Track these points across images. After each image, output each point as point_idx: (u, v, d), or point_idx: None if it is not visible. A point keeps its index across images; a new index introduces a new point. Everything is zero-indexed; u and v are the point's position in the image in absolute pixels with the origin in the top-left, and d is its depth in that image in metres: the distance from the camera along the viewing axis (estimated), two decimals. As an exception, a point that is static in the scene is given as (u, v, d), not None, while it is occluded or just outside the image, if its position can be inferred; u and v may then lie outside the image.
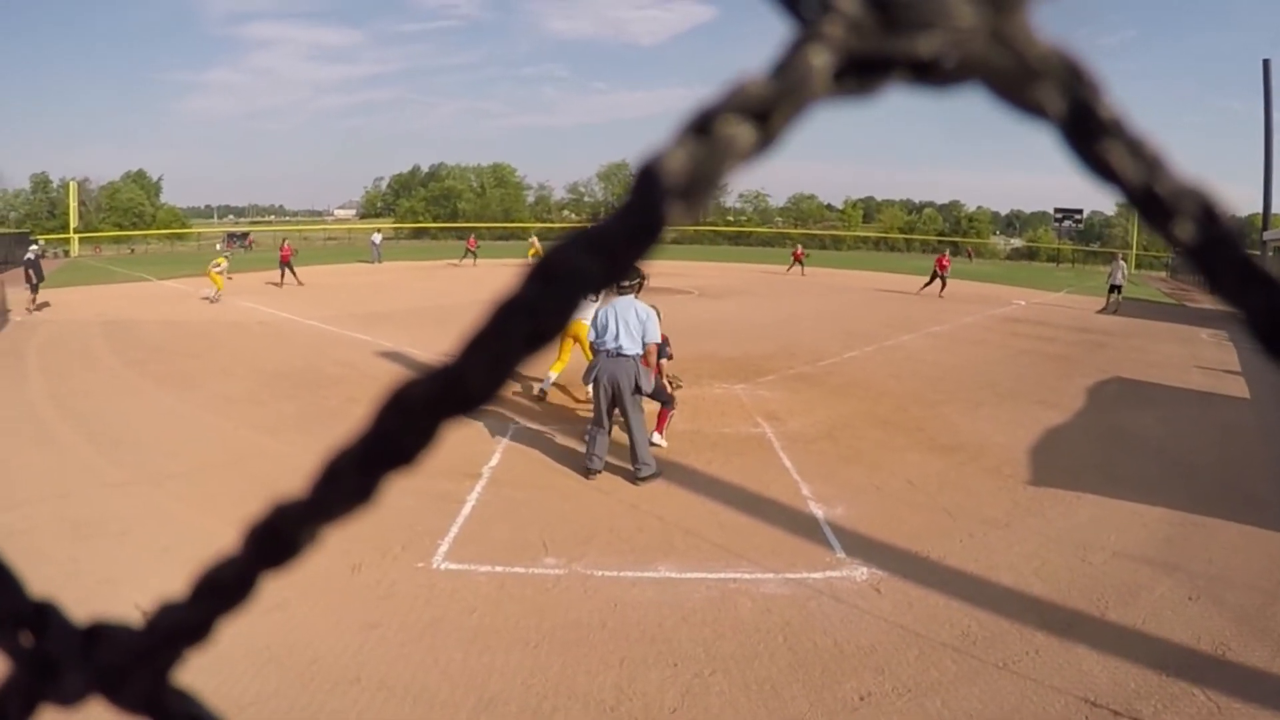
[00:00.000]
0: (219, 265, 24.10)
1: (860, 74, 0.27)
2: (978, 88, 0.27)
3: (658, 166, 0.26)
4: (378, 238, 44.00)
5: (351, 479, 0.30)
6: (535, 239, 40.09)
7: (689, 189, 0.26)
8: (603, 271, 0.27)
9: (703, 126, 0.27)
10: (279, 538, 0.31)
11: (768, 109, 0.26)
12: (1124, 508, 7.74)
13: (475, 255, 41.46)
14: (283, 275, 28.70)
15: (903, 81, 0.27)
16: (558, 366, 12.10)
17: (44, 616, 0.34)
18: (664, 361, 9.85)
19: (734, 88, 0.27)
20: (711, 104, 0.27)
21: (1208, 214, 0.27)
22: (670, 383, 10.18)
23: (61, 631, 0.34)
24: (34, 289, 21.46)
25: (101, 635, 0.34)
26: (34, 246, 24.51)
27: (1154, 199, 0.27)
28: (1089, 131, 0.27)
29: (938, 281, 29.00)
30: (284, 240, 32.83)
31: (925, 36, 0.26)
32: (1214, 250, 0.27)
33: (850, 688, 4.87)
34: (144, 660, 0.33)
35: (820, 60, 0.26)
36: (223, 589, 0.32)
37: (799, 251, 40.19)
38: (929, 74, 0.27)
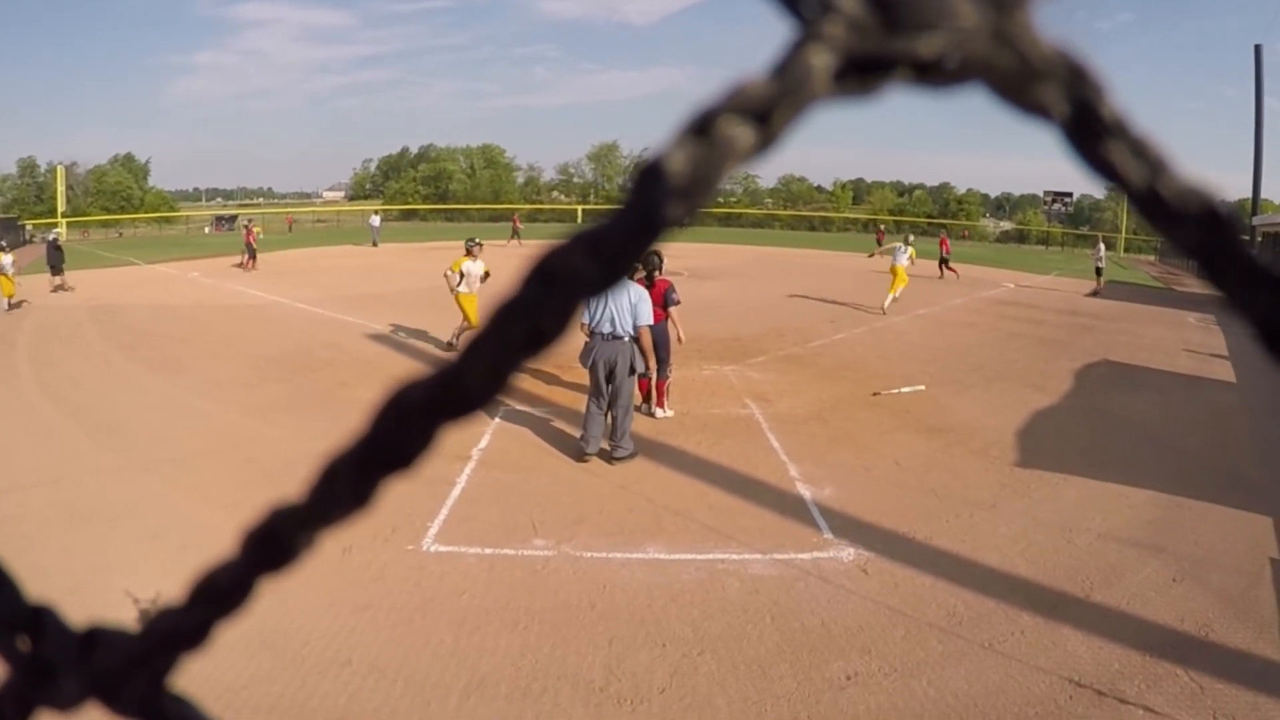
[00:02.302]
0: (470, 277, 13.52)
1: (861, 74, 0.27)
2: (979, 88, 0.27)
3: (657, 167, 0.27)
4: (376, 220, 43.68)
5: (349, 483, 0.30)
6: (256, 227, 33.21)
7: (689, 190, 0.27)
8: (602, 273, 0.27)
9: (702, 127, 0.27)
10: (276, 542, 0.31)
11: (768, 109, 0.26)
12: (1110, 490, 7.79)
13: (519, 235, 41.50)
14: (250, 257, 28.68)
15: (904, 82, 0.27)
16: (896, 287, 19.47)
17: (41, 621, 0.34)
18: (676, 313, 9.99)
19: (734, 88, 0.27)
20: (711, 104, 0.27)
21: (1211, 215, 0.27)
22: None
23: (59, 636, 0.34)
24: (55, 271, 22.31)
25: (99, 640, 0.34)
26: (56, 231, 27.22)
27: (1157, 199, 0.27)
28: (1092, 132, 0.27)
29: (943, 264, 29.00)
30: (249, 222, 33.27)
31: (927, 37, 0.26)
32: (1217, 251, 0.27)
33: (837, 667, 4.91)
34: (141, 665, 0.33)
35: (821, 61, 0.26)
36: (220, 594, 0.32)
37: (881, 233, 40.63)
38: (930, 74, 0.27)
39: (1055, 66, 0.27)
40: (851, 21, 0.26)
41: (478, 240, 13.86)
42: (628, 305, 8.16)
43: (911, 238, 21.50)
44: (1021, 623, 5.43)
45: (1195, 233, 0.27)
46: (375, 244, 40.21)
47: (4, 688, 0.34)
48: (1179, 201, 0.27)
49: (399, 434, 0.29)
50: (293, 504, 0.31)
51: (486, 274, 13.37)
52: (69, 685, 0.33)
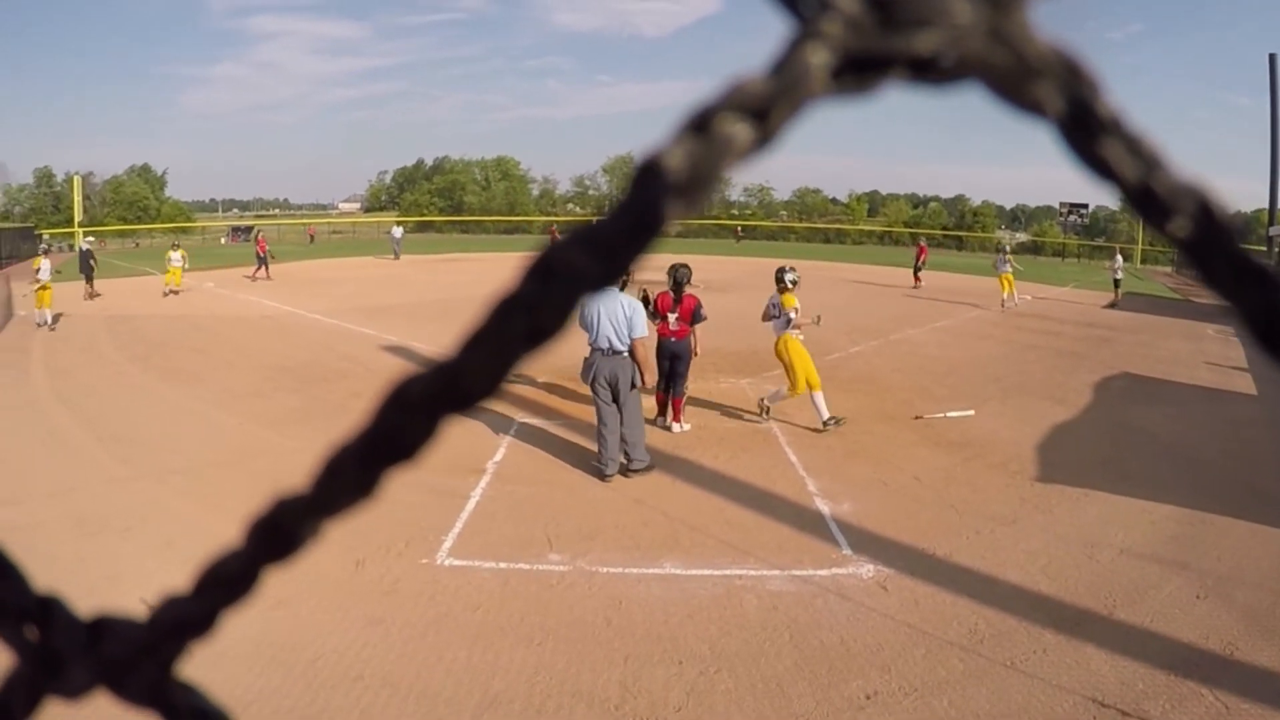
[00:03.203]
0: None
1: (859, 72, 0.27)
2: (976, 86, 0.27)
3: (657, 164, 0.27)
4: (398, 232, 43.44)
5: (352, 474, 0.31)
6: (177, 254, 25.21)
7: (688, 186, 0.27)
8: (602, 269, 0.27)
9: (701, 124, 0.27)
10: (281, 531, 0.32)
11: (766, 107, 0.27)
12: (1132, 505, 7.71)
13: None
14: (260, 267, 28.87)
15: (901, 79, 0.27)
16: (1008, 289, 24.52)
17: (49, 610, 0.35)
18: (698, 328, 9.95)
19: (733, 86, 0.27)
20: (710, 102, 0.27)
21: (1204, 211, 0.27)
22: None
23: (66, 625, 0.34)
24: (89, 279, 22.75)
25: (106, 629, 0.34)
26: (89, 240, 27.17)
27: (1151, 197, 0.27)
28: (1087, 129, 0.27)
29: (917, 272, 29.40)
30: (258, 233, 33.41)
31: (923, 34, 0.26)
32: (1211, 247, 0.27)
33: (857, 686, 4.86)
34: (149, 653, 0.34)
35: (819, 59, 0.26)
36: (226, 582, 0.33)
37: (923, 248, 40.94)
38: (927, 72, 0.27)
39: (1051, 64, 0.27)
40: (849, 20, 0.26)
41: (791, 271, 10.43)
42: (622, 318, 8.08)
43: (1008, 248, 29.80)
44: (1044, 641, 5.37)
45: (1188, 228, 0.27)
46: (397, 256, 40.05)
47: (13, 677, 0.35)
48: (1173, 198, 0.27)
49: (401, 426, 0.30)
50: (297, 494, 0.32)
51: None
52: (77, 674, 0.34)
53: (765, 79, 0.27)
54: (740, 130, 0.27)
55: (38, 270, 17.68)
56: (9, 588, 0.35)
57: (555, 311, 0.28)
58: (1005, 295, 24.30)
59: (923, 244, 32.47)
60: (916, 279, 29.48)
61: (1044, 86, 0.27)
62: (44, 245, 24.06)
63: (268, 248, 30.20)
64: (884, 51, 0.26)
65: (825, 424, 9.93)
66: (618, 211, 0.27)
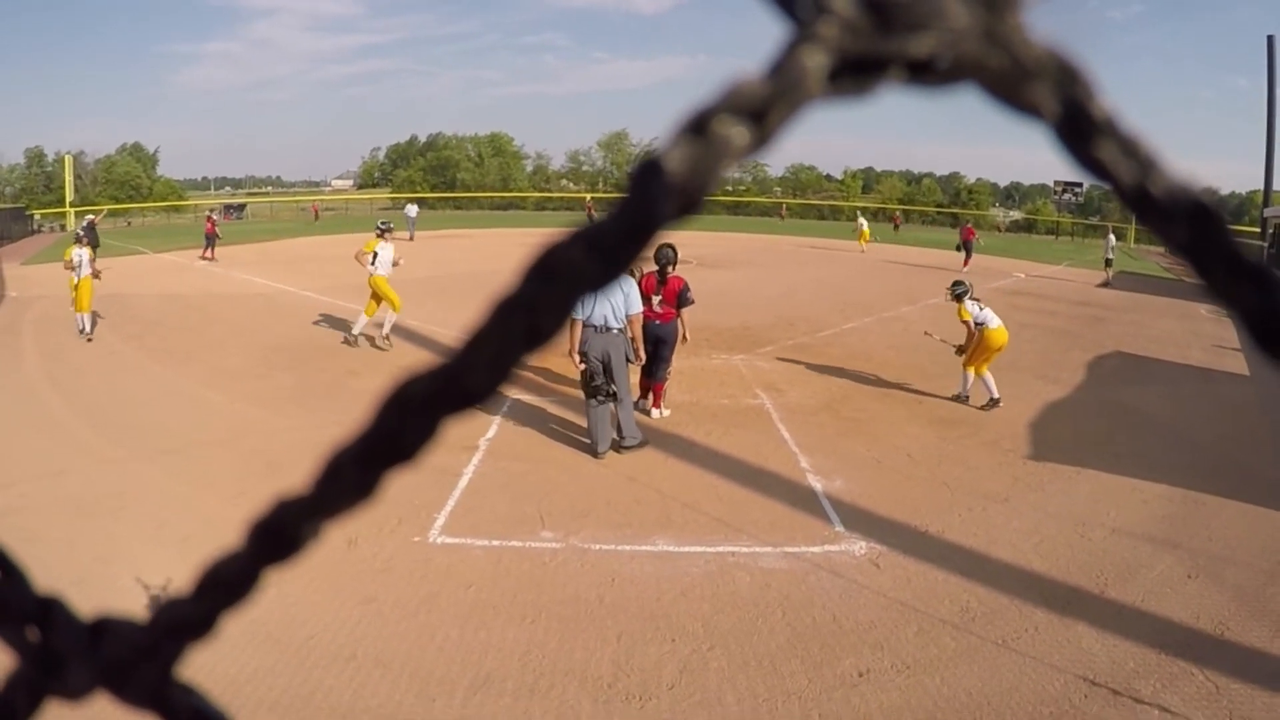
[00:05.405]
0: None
1: (855, 74, 0.27)
2: (972, 87, 0.27)
3: (655, 166, 0.27)
4: (413, 210, 40.78)
5: (353, 476, 0.31)
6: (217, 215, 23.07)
7: (686, 188, 0.27)
8: (601, 270, 0.28)
9: (699, 127, 0.27)
10: (282, 534, 0.32)
11: (763, 109, 0.27)
12: (1124, 484, 7.75)
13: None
14: (208, 248, 28.38)
15: (897, 82, 0.27)
16: None
17: (50, 612, 0.35)
18: (685, 312, 9.61)
19: (730, 88, 0.27)
20: (708, 104, 0.27)
21: (1200, 212, 0.27)
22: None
23: (67, 627, 0.34)
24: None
25: (107, 630, 0.34)
26: (90, 216, 27.59)
27: (1147, 197, 0.27)
28: (1082, 131, 0.27)
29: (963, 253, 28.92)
30: (209, 213, 33.18)
31: (919, 37, 0.26)
32: (1206, 248, 0.27)
33: (849, 664, 4.88)
34: (149, 655, 0.34)
35: (815, 61, 0.26)
36: (226, 584, 0.33)
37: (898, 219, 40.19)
38: (923, 74, 0.27)
39: (1046, 66, 0.27)
40: (845, 22, 0.26)
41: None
42: (619, 296, 8.07)
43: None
44: (1035, 619, 5.40)
45: (1184, 229, 0.27)
46: (411, 237, 38.64)
47: (14, 678, 0.35)
48: (1168, 199, 0.27)
49: (401, 428, 0.30)
50: (298, 496, 0.32)
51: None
52: (78, 675, 0.34)
53: (762, 81, 0.27)
54: (737, 132, 0.27)
55: (70, 262, 14.12)
56: (11, 589, 0.35)
57: (555, 312, 0.28)
58: None
59: (969, 225, 32.12)
60: (967, 260, 28.58)
61: (1039, 89, 0.27)
62: (80, 228, 22.70)
63: (216, 229, 29.68)
64: (880, 54, 0.26)
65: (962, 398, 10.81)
66: (617, 212, 0.27)
